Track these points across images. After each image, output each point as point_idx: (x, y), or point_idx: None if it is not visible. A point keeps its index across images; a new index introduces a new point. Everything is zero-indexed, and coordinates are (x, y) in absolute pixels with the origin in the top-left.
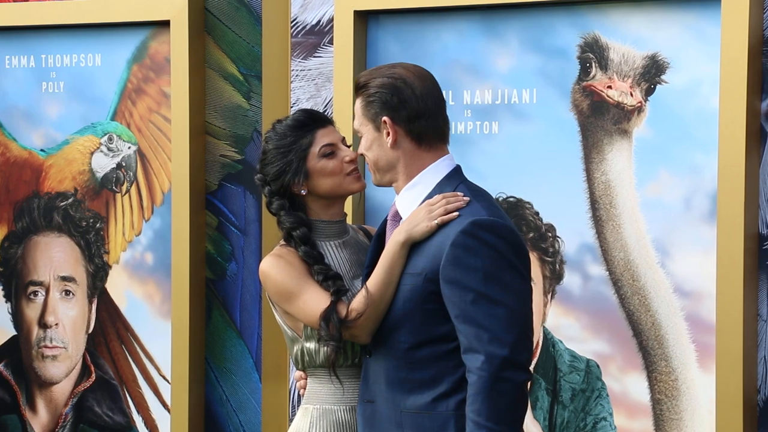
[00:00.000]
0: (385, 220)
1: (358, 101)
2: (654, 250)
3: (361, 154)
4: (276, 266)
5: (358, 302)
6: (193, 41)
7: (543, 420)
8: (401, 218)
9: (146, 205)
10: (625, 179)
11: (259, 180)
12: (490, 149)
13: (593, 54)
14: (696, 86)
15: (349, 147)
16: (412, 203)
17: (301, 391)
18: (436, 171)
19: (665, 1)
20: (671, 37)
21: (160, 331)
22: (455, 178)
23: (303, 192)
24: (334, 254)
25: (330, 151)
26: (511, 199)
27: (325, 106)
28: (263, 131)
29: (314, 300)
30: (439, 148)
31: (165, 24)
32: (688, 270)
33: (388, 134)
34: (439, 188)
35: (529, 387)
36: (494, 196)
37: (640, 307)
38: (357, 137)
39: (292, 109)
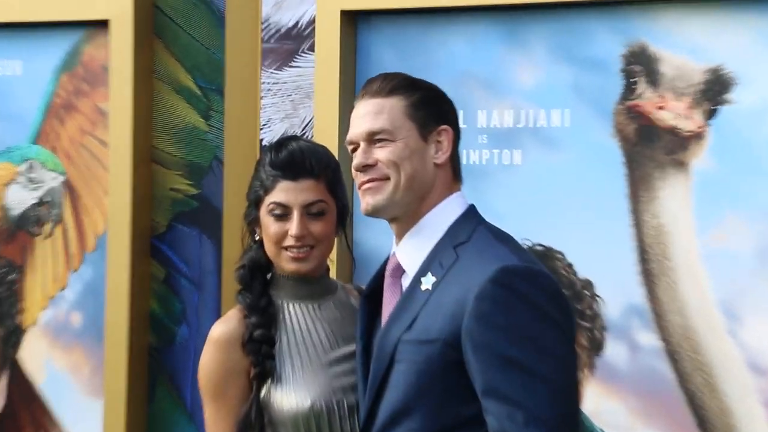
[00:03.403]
0: (378, 277)
1: (397, 100)
2: (720, 314)
3: (365, 166)
4: (209, 351)
5: None
6: (138, 45)
7: None
8: (404, 273)
9: (74, 251)
10: (681, 223)
11: None
12: (511, 184)
13: (640, 66)
14: None
15: (320, 215)
16: (418, 253)
17: None
18: (445, 211)
19: (731, 2)
20: (739, 46)
21: (89, 412)
22: (471, 220)
23: (257, 237)
24: (303, 323)
25: (279, 213)
26: (538, 248)
27: (304, 128)
28: (225, 159)
29: (214, 423)
30: (457, 183)
31: (102, 24)
32: (764, 340)
33: (439, 148)
34: (452, 233)
35: None
36: None
37: (704, 388)
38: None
39: (261, 131)
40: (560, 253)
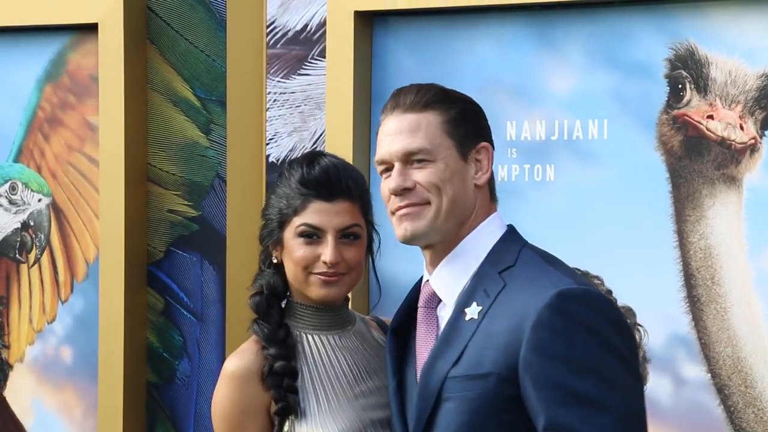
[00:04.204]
0: (405, 309)
1: (434, 115)
2: None
3: (404, 189)
4: (225, 387)
5: None
6: (130, 52)
7: None
8: (440, 302)
9: (63, 280)
10: (732, 245)
11: None
12: (543, 202)
13: (687, 71)
14: None
15: (354, 239)
16: (457, 281)
17: None
18: (485, 235)
19: None
20: None
21: None
22: (514, 243)
23: (274, 260)
24: (324, 354)
25: (309, 233)
26: None
27: (314, 142)
28: (228, 176)
29: None
30: (494, 203)
31: (90, 28)
32: None
33: (479, 168)
34: (494, 257)
35: None
36: None
37: (756, 425)
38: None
39: (267, 146)
40: (598, 278)
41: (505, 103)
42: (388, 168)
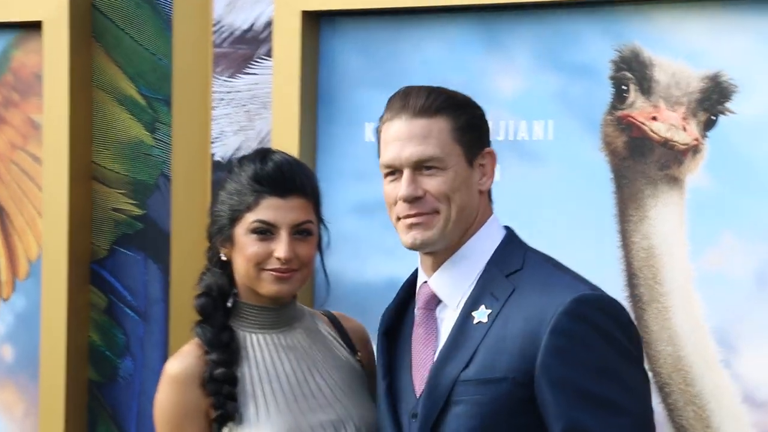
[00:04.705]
0: (395, 310)
1: (444, 121)
2: (715, 343)
3: (415, 198)
4: (165, 390)
5: None
6: (75, 51)
7: None
8: (440, 303)
9: (5, 278)
10: (674, 245)
11: None
12: None
13: (632, 73)
14: None
15: (307, 236)
16: (460, 283)
17: None
18: (487, 238)
19: (732, 2)
20: (740, 51)
21: None
22: (517, 245)
23: (222, 257)
24: (267, 355)
25: (262, 230)
26: None
27: (260, 141)
28: (173, 175)
29: None
30: (491, 205)
31: (34, 26)
32: (761, 371)
33: (483, 173)
34: (498, 260)
35: None
36: None
37: (696, 423)
38: (385, 166)
39: (213, 145)
40: None
41: None
42: (392, 172)
